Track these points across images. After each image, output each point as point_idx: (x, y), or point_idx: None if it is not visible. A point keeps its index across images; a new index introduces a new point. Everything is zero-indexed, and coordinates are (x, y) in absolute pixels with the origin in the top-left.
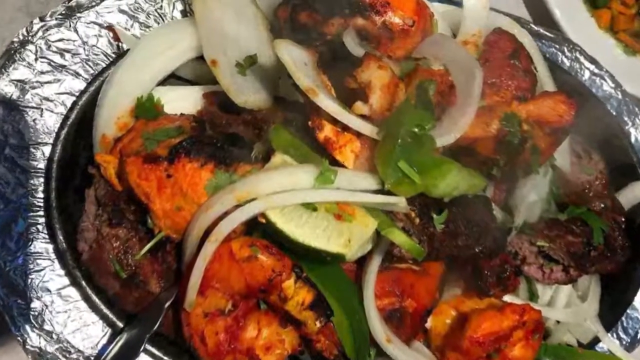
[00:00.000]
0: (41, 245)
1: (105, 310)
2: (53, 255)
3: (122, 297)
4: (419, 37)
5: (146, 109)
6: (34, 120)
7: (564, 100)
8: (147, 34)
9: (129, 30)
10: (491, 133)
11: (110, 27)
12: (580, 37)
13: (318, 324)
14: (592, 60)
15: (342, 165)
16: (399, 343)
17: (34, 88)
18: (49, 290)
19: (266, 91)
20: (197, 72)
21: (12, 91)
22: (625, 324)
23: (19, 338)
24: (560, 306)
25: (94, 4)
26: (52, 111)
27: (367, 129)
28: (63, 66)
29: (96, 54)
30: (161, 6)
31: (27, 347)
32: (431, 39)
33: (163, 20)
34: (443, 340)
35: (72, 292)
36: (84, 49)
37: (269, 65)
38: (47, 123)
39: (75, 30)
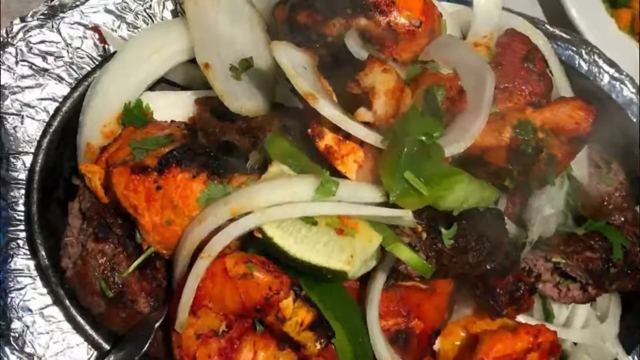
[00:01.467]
0: (22, 261)
1: (91, 331)
2: (35, 273)
3: (109, 317)
4: (426, 39)
5: (134, 116)
6: (14, 127)
7: (581, 106)
8: (136, 35)
9: (115, 31)
10: (504, 142)
11: (95, 28)
12: (599, 38)
13: (318, 346)
14: (612, 64)
15: (344, 176)
16: None
17: (14, 93)
18: (30, 310)
19: (263, 97)
20: (188, 76)
21: None
22: None
23: None
24: (578, 327)
25: (78, 3)
26: (33, 118)
27: (370, 137)
28: (45, 70)
29: (81, 57)
30: (150, 6)
31: None
32: (439, 41)
33: (152, 20)
34: None
35: (55, 311)
36: (68, 51)
37: (265, 69)
38: (28, 131)
39: (59, 32)
